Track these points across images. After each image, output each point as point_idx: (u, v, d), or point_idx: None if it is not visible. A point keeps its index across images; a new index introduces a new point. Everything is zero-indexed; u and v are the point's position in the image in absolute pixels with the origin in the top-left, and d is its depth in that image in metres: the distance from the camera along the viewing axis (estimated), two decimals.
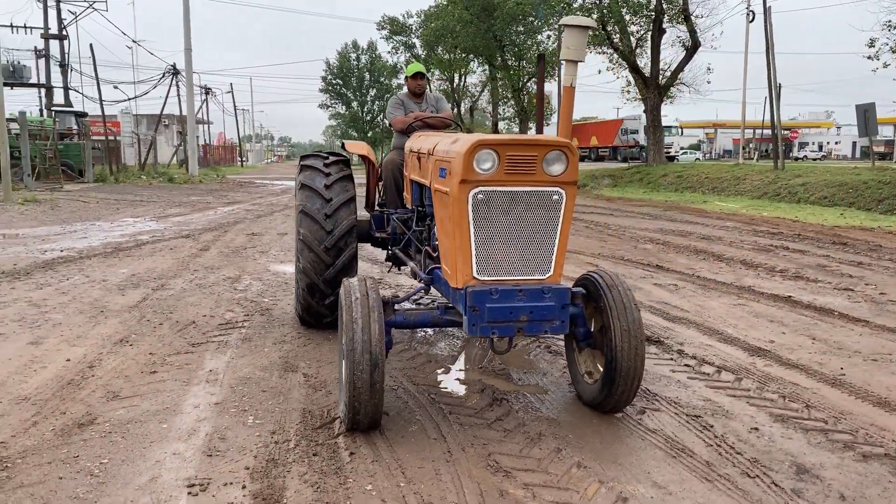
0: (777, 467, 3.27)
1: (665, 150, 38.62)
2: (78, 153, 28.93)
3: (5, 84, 38.37)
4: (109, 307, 6.27)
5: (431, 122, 5.59)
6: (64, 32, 38.36)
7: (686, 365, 4.81)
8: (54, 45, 38.26)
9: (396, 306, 3.87)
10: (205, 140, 63.28)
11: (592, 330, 3.97)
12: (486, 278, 3.42)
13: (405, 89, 5.88)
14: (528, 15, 36.53)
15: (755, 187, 19.68)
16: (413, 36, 60.31)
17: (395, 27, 61.18)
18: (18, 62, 38.23)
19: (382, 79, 76.46)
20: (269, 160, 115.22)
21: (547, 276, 3.48)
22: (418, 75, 5.75)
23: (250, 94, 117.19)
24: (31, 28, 38.44)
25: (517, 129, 58.88)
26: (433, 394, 4.22)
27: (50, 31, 38.07)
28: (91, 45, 33.56)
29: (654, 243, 11.03)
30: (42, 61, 38.15)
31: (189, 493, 2.95)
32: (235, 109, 67.64)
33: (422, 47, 60.30)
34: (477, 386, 4.38)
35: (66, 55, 38.06)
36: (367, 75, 78.71)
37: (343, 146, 6.32)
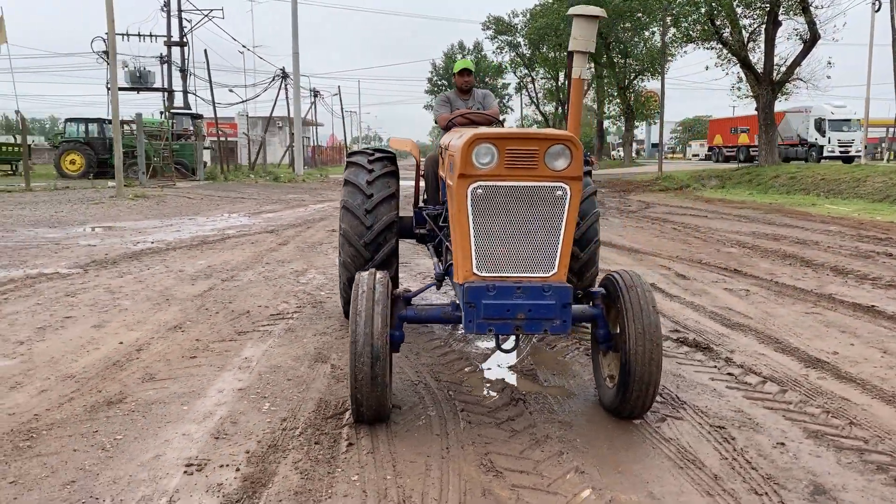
0: (792, 486, 3.03)
1: (844, 148, 36.24)
2: (192, 153, 30.81)
3: (133, 88, 41.57)
4: (176, 296, 6.64)
5: (475, 119, 5.55)
6: (184, 40, 40.97)
7: (729, 374, 4.53)
8: (176, 52, 40.93)
9: (412, 301, 3.88)
10: (314, 141, 65.79)
11: (612, 332, 3.83)
12: (487, 274, 3.37)
13: (454, 86, 5.88)
14: (636, 11, 35.56)
15: (876, 190, 18.24)
16: (518, 35, 60.25)
17: (500, 27, 61.32)
18: (144, 68, 41.07)
19: (487, 79, 76.93)
20: None
21: (551, 273, 3.38)
22: (465, 72, 5.73)
23: (358, 97, 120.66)
24: (156, 36, 41.21)
25: (623, 128, 57.62)
26: (452, 391, 4.20)
27: (172, 39, 40.78)
28: (205, 50, 35.44)
29: (740, 247, 10.46)
30: (165, 67, 40.92)
31: (185, 472, 3.08)
32: (343, 111, 69.78)
33: (526, 46, 60.17)
34: (499, 385, 4.32)
35: (186, 61, 40.63)
36: None
37: (388, 142, 6.40)
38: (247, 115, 55.75)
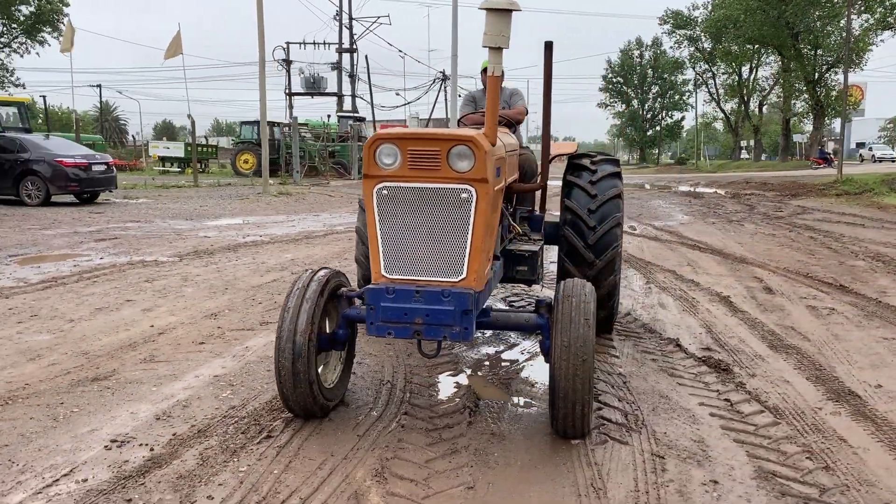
0: None
1: None
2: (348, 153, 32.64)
3: (308, 93, 44.75)
4: (237, 286, 7.12)
5: (504, 120, 5.42)
6: (354, 46, 43.39)
7: (726, 400, 4.07)
8: (346, 58, 43.46)
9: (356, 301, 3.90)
10: None
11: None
12: (395, 277, 3.31)
13: (480, 84, 5.78)
14: None
15: None
16: (697, 28, 57.37)
17: (678, 21, 58.71)
18: (318, 74, 44.06)
19: (666, 75, 73.88)
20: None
21: (459, 278, 3.25)
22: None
23: (526, 96, 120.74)
24: (329, 44, 44.00)
25: (811, 125, 52.72)
26: (414, 393, 4.16)
27: (343, 46, 43.37)
28: (366, 56, 37.30)
29: (873, 260, 9.23)
30: (336, 73, 43.61)
31: (104, 447, 3.34)
32: None
33: (706, 40, 57.06)
34: (463, 392, 4.21)
35: (354, 66, 43.04)
36: (649, 72, 76.71)
37: None
38: (417, 118, 57.94)
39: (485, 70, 5.61)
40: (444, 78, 43.70)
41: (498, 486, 3.05)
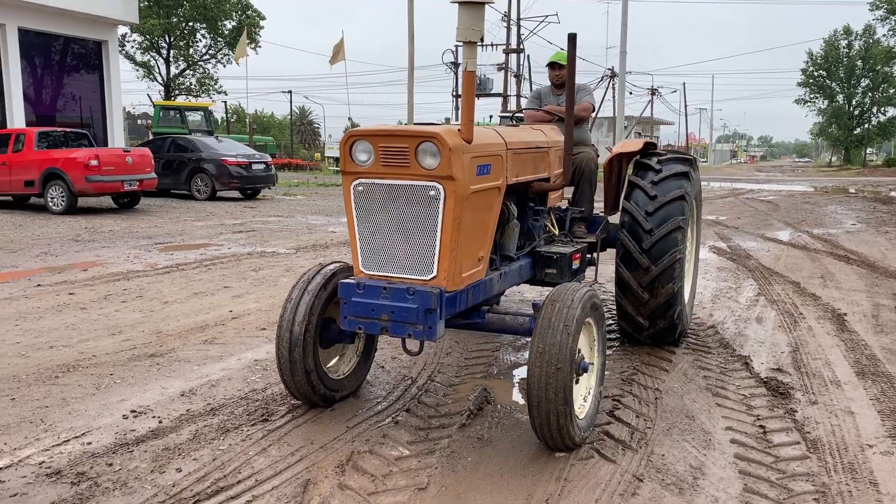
0: None
1: None
2: None
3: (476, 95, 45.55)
4: None
5: (540, 117, 5.25)
6: (521, 46, 43.52)
7: (761, 426, 3.65)
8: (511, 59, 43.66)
9: None
10: (665, 141, 64.41)
11: None
12: (372, 273, 3.33)
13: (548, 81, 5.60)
14: None
15: None
16: None
17: (893, 5, 52.70)
18: (484, 75, 44.71)
19: (878, 67, 66.29)
20: (740, 160, 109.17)
21: (429, 276, 3.20)
22: (554, 65, 5.42)
23: (711, 92, 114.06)
24: (496, 45, 44.44)
25: None
26: (429, 391, 4.16)
27: (510, 46, 43.64)
28: (528, 55, 37.13)
29: None
30: (502, 73, 44.03)
31: (122, 416, 3.69)
32: (686, 109, 66.82)
33: None
34: (479, 394, 4.12)
35: (521, 67, 43.11)
36: (858, 63, 69.24)
37: None
38: (595, 116, 56.80)
39: (550, 65, 5.45)
40: (613, 75, 42.52)
41: (451, 490, 2.98)
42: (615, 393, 4.12)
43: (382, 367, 4.59)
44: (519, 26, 43.70)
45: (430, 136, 3.06)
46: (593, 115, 5.53)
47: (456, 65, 46.49)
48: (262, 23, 47.71)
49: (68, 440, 3.40)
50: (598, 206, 5.49)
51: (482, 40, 3.04)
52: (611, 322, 5.41)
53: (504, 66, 44.46)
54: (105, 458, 3.21)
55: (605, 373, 4.43)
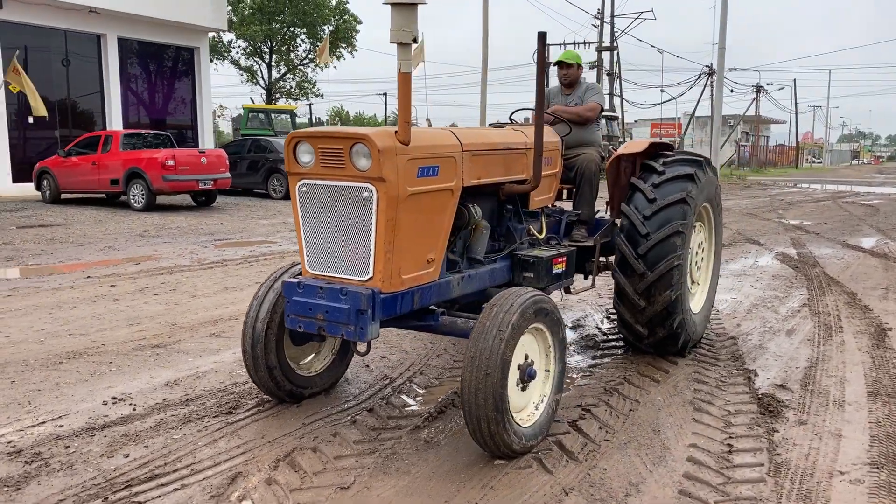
0: None
1: None
2: None
3: None
4: None
5: (565, 118, 5.12)
6: (615, 44, 42.49)
7: (728, 445, 3.43)
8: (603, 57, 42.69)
9: None
10: (772, 141, 61.40)
11: None
12: (317, 273, 3.37)
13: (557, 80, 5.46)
14: None
15: None
16: None
17: None
18: None
19: None
20: (863, 161, 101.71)
21: (366, 278, 3.21)
22: (561, 65, 5.29)
23: (827, 88, 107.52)
24: (588, 43, 43.61)
25: None
26: (401, 391, 4.17)
27: (603, 45, 42.69)
28: (618, 54, 36.17)
29: None
30: (594, 71, 43.03)
31: (102, 402, 3.92)
32: (796, 107, 63.08)
33: None
34: (451, 398, 4.08)
35: (614, 65, 42.07)
36: None
37: None
38: (692, 115, 54.89)
39: (557, 64, 5.32)
40: (711, 72, 40.82)
41: (372, 491, 2.98)
42: (589, 402, 3.98)
43: (367, 365, 4.64)
44: (612, 24, 42.73)
45: (361, 138, 3.07)
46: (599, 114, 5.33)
47: (546, 64, 45.96)
48: (358, 27, 48.99)
49: (44, 422, 3.64)
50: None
51: (415, 41, 3.02)
52: (608, 329, 5.22)
53: (596, 64, 43.59)
54: (67, 440, 3.42)
55: (589, 381, 4.31)
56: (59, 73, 17.64)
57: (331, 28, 48.11)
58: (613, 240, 4.74)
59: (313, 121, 50.01)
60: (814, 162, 79.89)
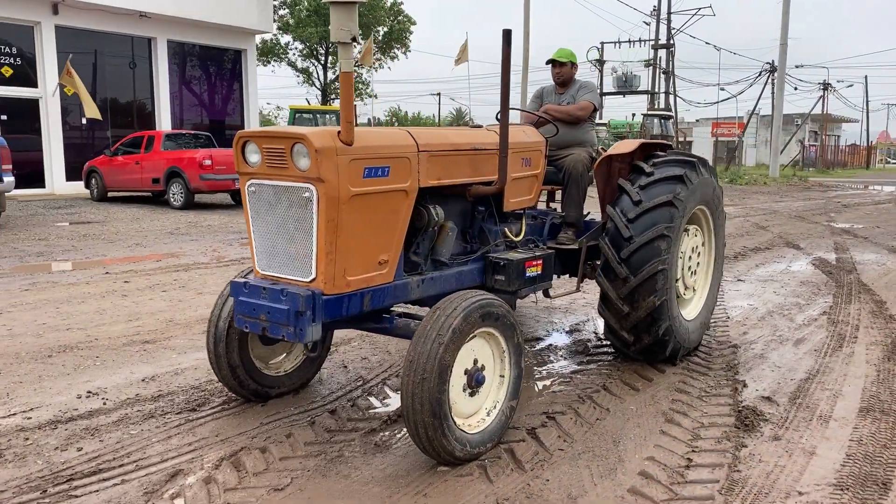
0: None
1: None
2: None
3: (619, 92, 44.14)
4: None
5: (556, 117, 5.01)
6: (671, 42, 41.44)
7: (688, 460, 3.28)
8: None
9: None
10: (842, 141, 59.05)
11: None
12: (266, 273, 3.37)
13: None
14: None
15: None
16: None
17: None
18: (630, 72, 43.14)
19: None
20: None
21: (309, 279, 3.19)
22: (554, 63, 5.16)
23: None
24: (644, 41, 42.76)
25: None
26: (371, 394, 4.14)
27: (659, 42, 41.70)
28: (672, 52, 35.26)
29: None
30: (650, 70, 42.15)
31: (76, 396, 4.02)
32: (867, 105, 60.43)
33: None
34: None
35: (670, 63, 41.02)
36: None
37: None
38: (758, 114, 53.23)
39: (551, 62, 5.20)
40: (772, 69, 39.45)
41: (305, 493, 2.96)
42: (557, 409, 3.87)
43: (345, 366, 4.63)
44: (669, 20, 41.74)
45: (300, 138, 3.05)
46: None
47: (601, 62, 45.35)
48: (412, 27, 49.29)
49: (15, 414, 3.76)
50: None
51: (355, 40, 2.98)
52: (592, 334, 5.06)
53: (652, 62, 42.65)
54: (28, 432, 3.52)
55: (566, 387, 4.21)
56: (112, 76, 18.32)
57: (384, 29, 48.50)
58: (599, 243, 4.61)
59: (370, 121, 50.58)
60: (888, 162, 76.35)
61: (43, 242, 9.69)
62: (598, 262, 4.54)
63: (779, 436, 3.57)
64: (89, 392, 4.08)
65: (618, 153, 4.72)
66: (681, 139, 41.81)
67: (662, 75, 41.60)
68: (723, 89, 49.99)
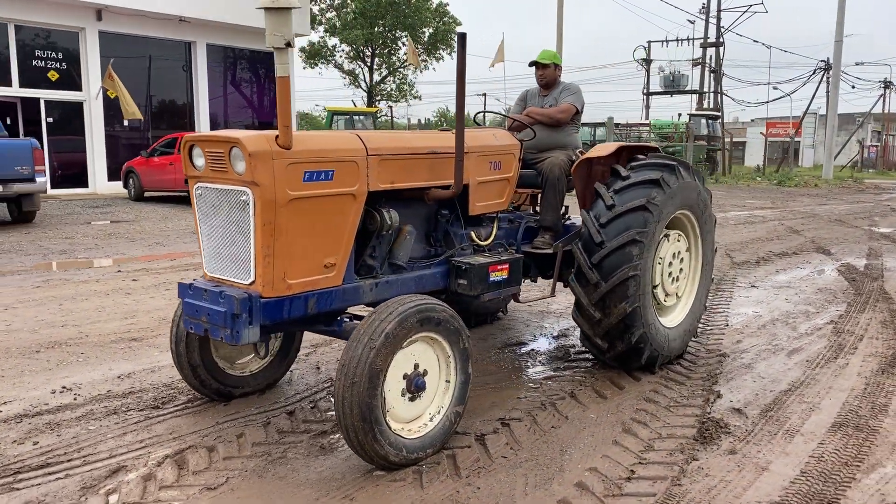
0: None
1: None
2: (696, 153, 30.75)
3: (666, 92, 43.31)
4: None
5: (538, 120, 4.95)
6: (721, 40, 40.38)
7: (630, 471, 3.20)
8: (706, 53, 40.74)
9: None
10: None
11: None
12: (212, 275, 3.43)
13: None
14: None
15: None
16: None
17: None
18: (678, 71, 42.27)
19: None
20: None
21: (248, 282, 3.22)
22: (537, 65, 5.10)
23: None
24: (692, 39, 41.84)
25: None
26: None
27: (708, 41, 40.70)
28: (718, 49, 34.35)
29: None
30: (698, 69, 41.16)
31: (51, 392, 4.15)
32: None
33: None
34: None
35: (720, 61, 39.92)
36: None
37: None
38: (816, 114, 51.54)
39: (534, 64, 5.14)
40: (827, 67, 38.08)
41: (236, 492, 3.00)
42: (514, 416, 3.83)
43: (319, 368, 4.67)
44: (719, 18, 40.73)
45: (235, 142, 3.09)
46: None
47: (647, 62, 44.57)
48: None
49: None
50: None
51: (289, 45, 3.00)
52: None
53: (700, 61, 41.67)
54: None
55: (532, 393, 4.16)
56: (153, 79, 18.87)
57: (430, 31, 48.64)
58: (572, 247, 4.53)
59: (420, 122, 50.88)
60: None
61: (68, 241, 10.05)
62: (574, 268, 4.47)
63: (735, 449, 3.45)
64: (64, 388, 4.21)
65: (596, 156, 4.64)
66: (731, 139, 40.72)
67: (710, 74, 40.59)
68: (776, 88, 48.29)
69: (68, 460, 3.28)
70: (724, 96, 37.88)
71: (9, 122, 16.88)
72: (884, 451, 3.44)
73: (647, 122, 35.27)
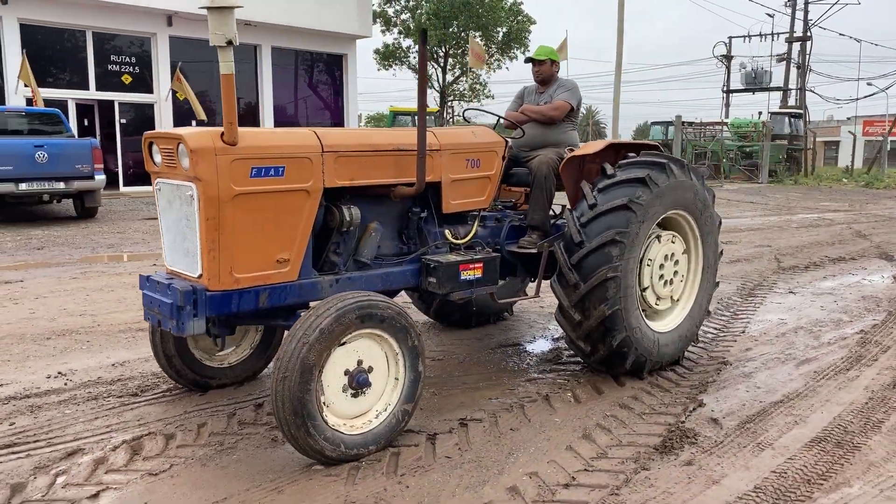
0: None
1: None
2: (774, 153, 29.40)
3: (747, 89, 41.55)
4: None
5: (531, 117, 4.86)
6: (808, 34, 38.40)
7: (571, 477, 3.10)
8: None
9: None
10: None
11: None
12: (171, 268, 3.53)
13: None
14: None
15: None
16: None
17: None
18: (760, 68, 40.49)
19: None
20: None
21: (197, 275, 3.30)
22: (533, 62, 4.99)
23: None
24: (777, 34, 39.93)
25: None
26: None
27: (794, 35, 38.78)
28: (804, 45, 32.63)
29: None
30: (783, 65, 39.27)
31: (46, 376, 4.38)
32: None
33: None
34: None
35: (806, 57, 37.99)
36: None
37: None
38: None
39: (530, 61, 5.05)
40: None
41: (175, 479, 3.09)
42: (476, 416, 3.79)
43: None
44: (806, 11, 38.72)
45: (180, 138, 3.17)
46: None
47: (728, 58, 42.86)
48: (531, 27, 48.89)
49: None
50: None
51: (231, 43, 3.06)
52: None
53: (786, 56, 39.76)
54: None
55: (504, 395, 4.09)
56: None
57: (503, 30, 48.41)
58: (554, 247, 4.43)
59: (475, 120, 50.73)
60: None
61: (120, 235, 10.56)
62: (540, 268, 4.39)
63: (693, 461, 3.29)
64: (59, 373, 4.44)
65: (585, 154, 4.52)
66: (823, 138, 38.68)
67: (796, 70, 38.70)
68: (870, 84, 45.16)
69: (35, 441, 3.45)
70: (808, 93, 36.07)
71: (86, 123, 17.91)
72: (856, 469, 3.21)
73: (724, 120, 33.92)
